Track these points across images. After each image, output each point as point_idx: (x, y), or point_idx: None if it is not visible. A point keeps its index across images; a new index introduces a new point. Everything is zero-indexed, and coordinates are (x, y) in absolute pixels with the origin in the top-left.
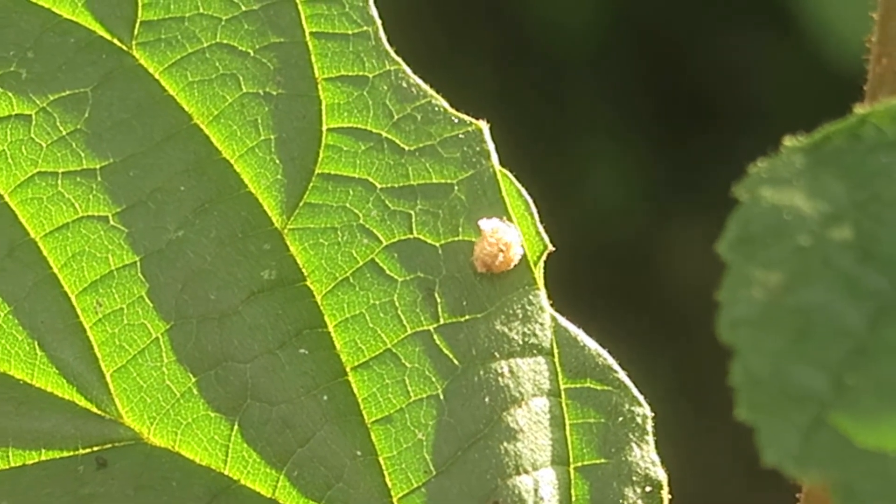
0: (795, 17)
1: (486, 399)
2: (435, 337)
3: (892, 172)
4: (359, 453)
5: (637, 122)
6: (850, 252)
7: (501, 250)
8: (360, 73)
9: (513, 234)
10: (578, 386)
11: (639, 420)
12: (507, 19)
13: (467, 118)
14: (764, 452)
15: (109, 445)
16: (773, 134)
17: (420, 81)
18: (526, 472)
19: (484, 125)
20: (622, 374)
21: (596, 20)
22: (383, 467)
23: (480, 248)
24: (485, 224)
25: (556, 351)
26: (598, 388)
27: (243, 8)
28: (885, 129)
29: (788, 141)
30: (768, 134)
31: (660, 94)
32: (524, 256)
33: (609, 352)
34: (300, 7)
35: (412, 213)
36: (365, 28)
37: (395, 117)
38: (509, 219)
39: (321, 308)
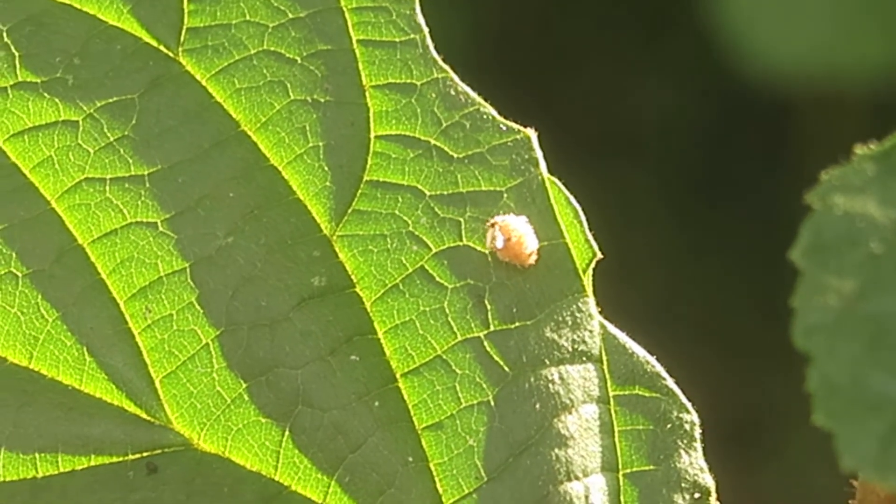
0: (689, 44)
1: (537, 405)
2: (485, 343)
3: None
4: (410, 459)
5: None
6: None
7: (517, 241)
8: (408, 81)
9: (524, 226)
10: (627, 393)
11: (686, 427)
12: None
13: (515, 126)
14: (842, 458)
15: (159, 451)
16: (649, 164)
17: (468, 89)
18: (577, 478)
19: (532, 133)
20: (670, 382)
21: (465, 53)
22: (434, 473)
23: (501, 241)
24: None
25: (604, 358)
26: (647, 395)
27: (290, 15)
28: None
29: (859, 149)
30: (645, 165)
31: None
32: (573, 263)
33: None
34: (347, 15)
35: (461, 220)
36: (412, 36)
37: (444, 125)
38: (557, 226)
39: (371, 315)
